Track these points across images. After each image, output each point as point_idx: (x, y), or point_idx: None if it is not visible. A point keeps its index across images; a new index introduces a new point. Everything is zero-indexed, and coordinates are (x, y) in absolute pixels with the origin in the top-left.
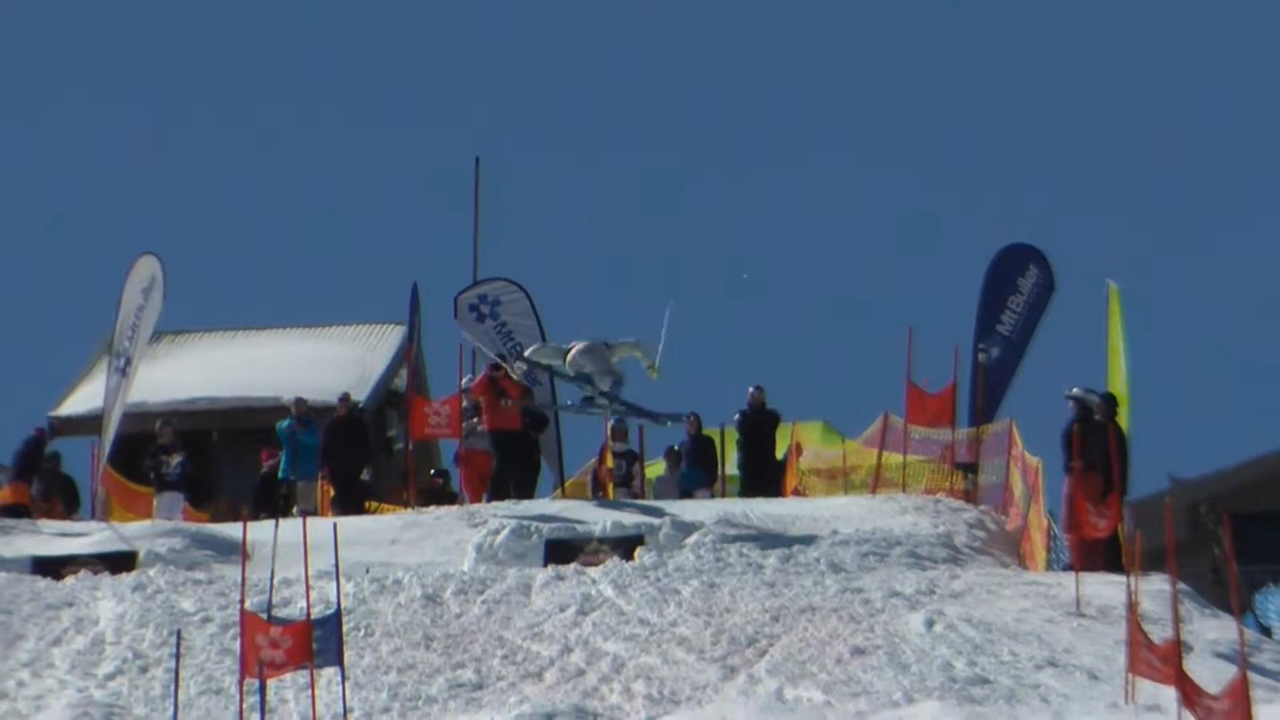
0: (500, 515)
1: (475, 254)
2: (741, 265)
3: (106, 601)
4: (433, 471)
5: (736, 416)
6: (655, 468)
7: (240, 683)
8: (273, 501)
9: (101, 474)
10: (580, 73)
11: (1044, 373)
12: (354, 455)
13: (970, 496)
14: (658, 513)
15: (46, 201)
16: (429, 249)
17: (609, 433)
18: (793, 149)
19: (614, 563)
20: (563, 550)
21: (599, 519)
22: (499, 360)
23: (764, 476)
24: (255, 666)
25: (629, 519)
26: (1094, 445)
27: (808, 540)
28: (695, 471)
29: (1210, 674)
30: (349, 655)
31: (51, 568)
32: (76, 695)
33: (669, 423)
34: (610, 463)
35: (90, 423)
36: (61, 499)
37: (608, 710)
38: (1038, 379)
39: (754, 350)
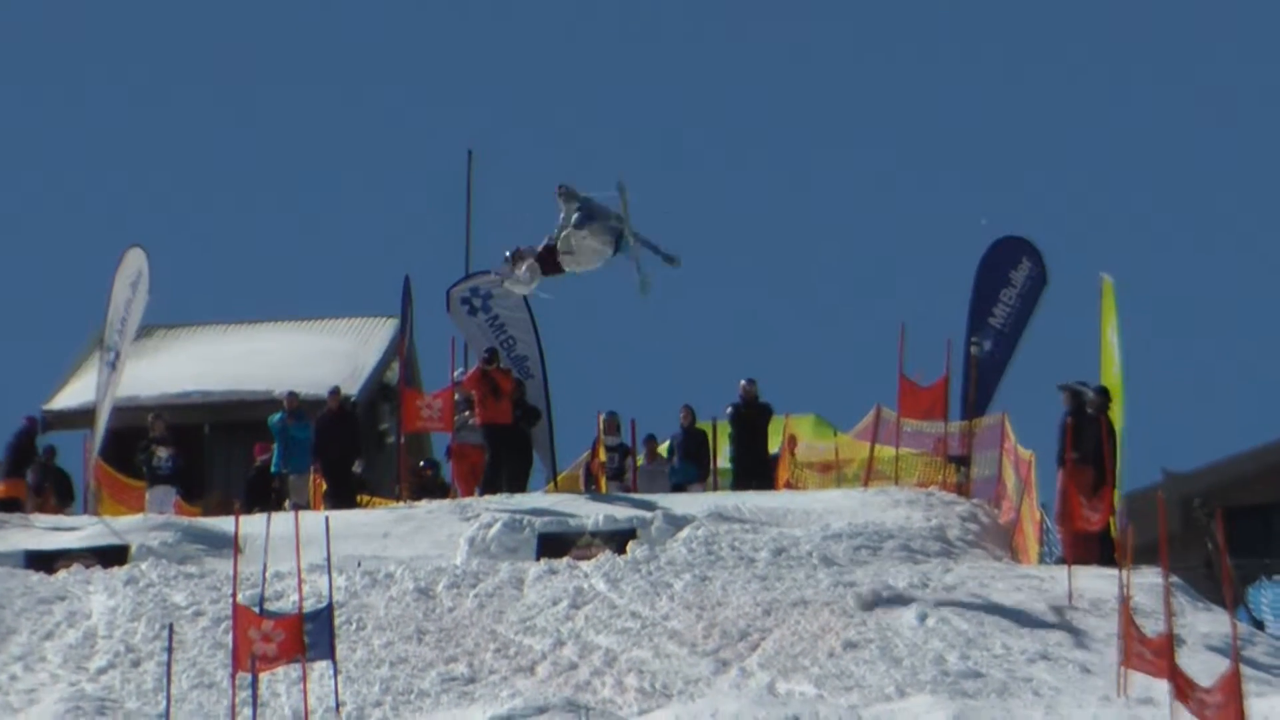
0: (492, 509)
1: (467, 247)
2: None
3: (99, 595)
4: (422, 463)
5: (729, 410)
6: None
7: (232, 676)
8: (265, 495)
9: (93, 467)
10: (573, 65)
11: (1036, 366)
12: (345, 448)
13: (963, 490)
14: (650, 506)
15: (39, 195)
16: (421, 242)
17: (601, 426)
18: (785, 143)
19: (606, 556)
20: (555, 544)
21: (591, 513)
22: (491, 354)
23: (756, 470)
24: (247, 660)
25: (621, 513)
26: (1087, 438)
27: (800, 534)
28: (687, 465)
29: (1203, 667)
30: (341, 649)
31: (44, 562)
32: (68, 689)
33: (676, 262)
34: (603, 456)
35: (83, 416)
36: (55, 492)
37: (600, 704)
38: (1030, 372)
39: (746, 343)
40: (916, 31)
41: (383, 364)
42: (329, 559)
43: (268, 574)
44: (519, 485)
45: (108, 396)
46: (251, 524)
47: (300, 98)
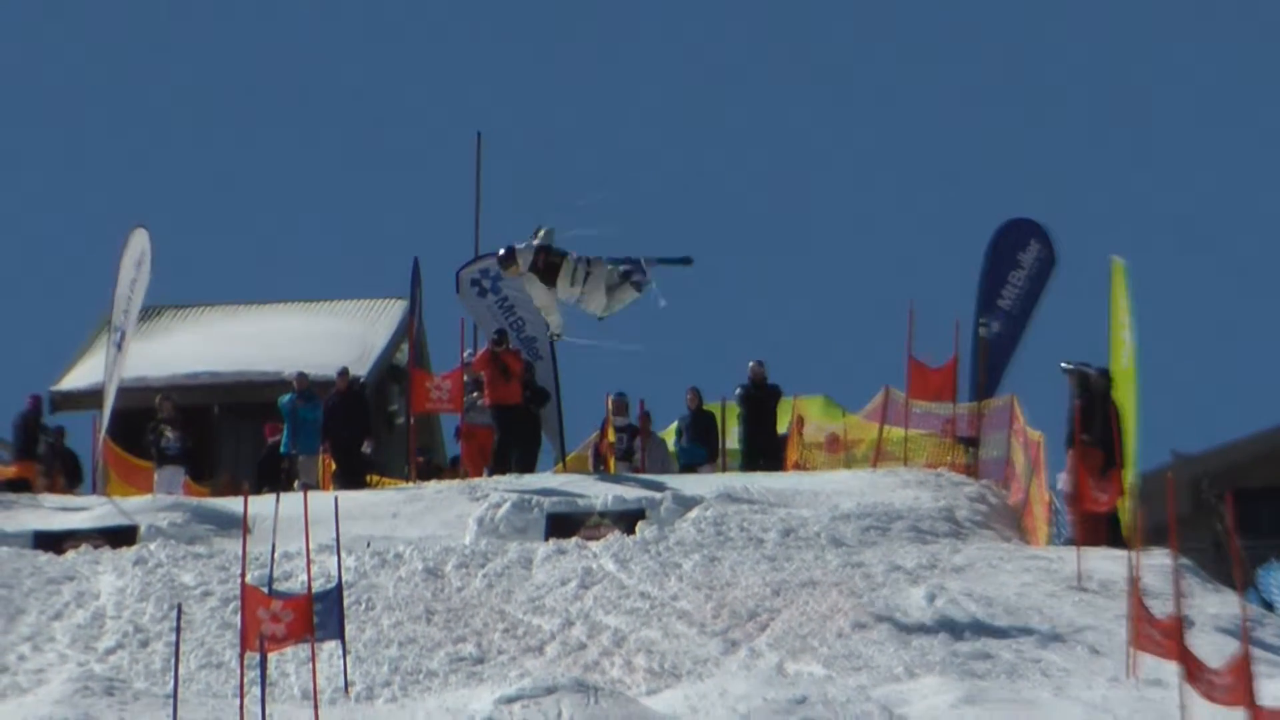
0: (501, 489)
1: (477, 229)
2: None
3: (107, 576)
4: (421, 459)
5: (738, 391)
6: (667, 434)
7: (241, 656)
8: (274, 476)
9: (101, 447)
10: (583, 46)
11: (1045, 347)
12: (354, 429)
13: (972, 471)
14: (659, 487)
15: (48, 175)
16: (430, 224)
17: (610, 407)
18: (794, 123)
19: (615, 537)
20: (564, 524)
21: (600, 493)
22: (500, 335)
23: (765, 451)
24: (256, 640)
25: (630, 493)
26: (1097, 420)
27: (809, 514)
28: (696, 446)
29: (1212, 649)
30: (350, 629)
31: (52, 542)
32: (77, 669)
33: (689, 261)
34: (611, 436)
35: (91, 397)
36: (64, 473)
37: (609, 684)
38: (1039, 354)
39: (755, 324)
40: (927, 8)
41: (392, 345)
42: (338, 539)
43: (276, 554)
44: (528, 466)
45: (114, 377)
46: (260, 504)
47: (310, 80)
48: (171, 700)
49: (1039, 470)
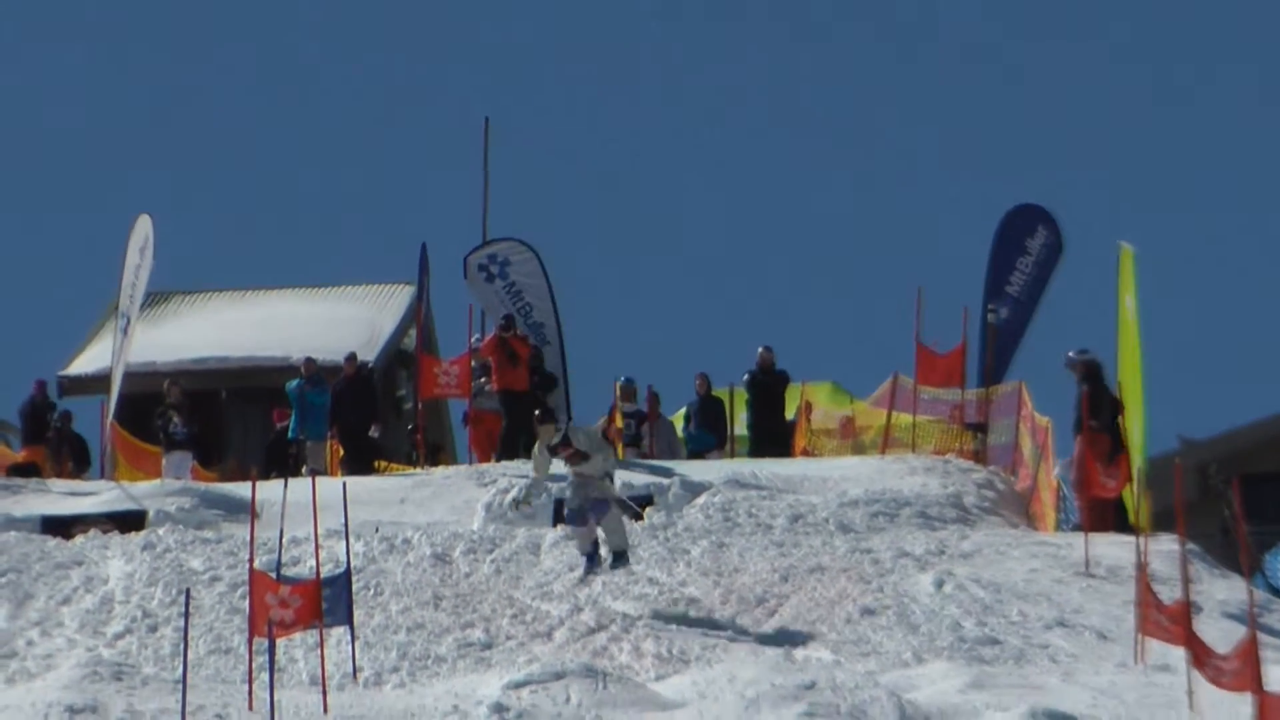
0: (509, 475)
1: (484, 214)
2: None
3: (116, 561)
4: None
5: (745, 377)
6: (675, 419)
7: (249, 642)
8: (282, 461)
9: (109, 432)
10: (589, 33)
11: (1053, 334)
12: (362, 414)
13: (979, 457)
14: (667, 473)
15: (57, 161)
16: (438, 209)
17: (618, 392)
18: (801, 110)
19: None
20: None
21: None
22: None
23: (773, 437)
24: (264, 626)
25: (638, 479)
26: (1104, 407)
27: (817, 500)
28: (704, 433)
29: (1219, 634)
30: (358, 614)
31: (61, 527)
32: (85, 654)
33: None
34: (619, 423)
35: (99, 382)
36: (72, 458)
37: (617, 669)
38: (1047, 340)
39: (763, 310)
40: None
41: (400, 330)
42: (346, 524)
43: (285, 539)
44: None
45: (120, 362)
46: (268, 489)
47: (317, 64)
48: (180, 685)
49: (1047, 456)
